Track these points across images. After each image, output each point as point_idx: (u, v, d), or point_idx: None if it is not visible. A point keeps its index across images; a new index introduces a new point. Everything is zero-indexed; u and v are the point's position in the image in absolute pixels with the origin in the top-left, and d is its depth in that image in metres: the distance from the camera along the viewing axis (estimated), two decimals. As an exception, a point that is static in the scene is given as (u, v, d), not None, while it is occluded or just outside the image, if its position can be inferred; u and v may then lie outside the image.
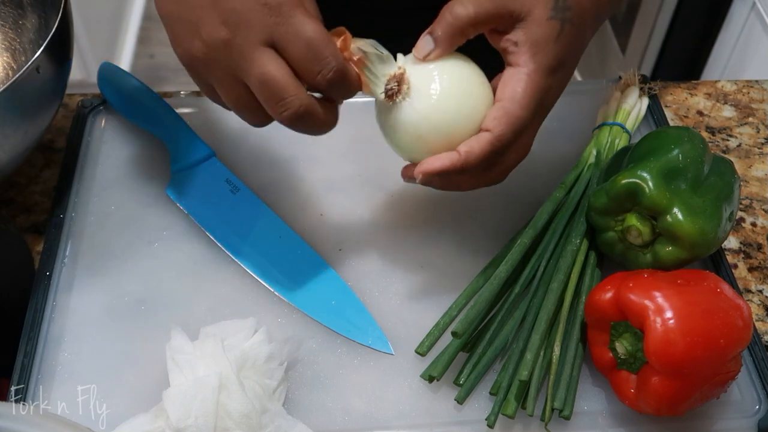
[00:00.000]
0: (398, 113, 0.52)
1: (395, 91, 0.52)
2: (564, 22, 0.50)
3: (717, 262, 0.62)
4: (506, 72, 0.51)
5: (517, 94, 0.50)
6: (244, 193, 0.65)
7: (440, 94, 0.51)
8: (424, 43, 0.51)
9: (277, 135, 0.70)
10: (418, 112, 0.52)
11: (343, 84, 0.50)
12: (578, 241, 0.59)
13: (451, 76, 0.52)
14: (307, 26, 0.48)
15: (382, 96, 0.52)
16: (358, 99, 0.73)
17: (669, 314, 0.48)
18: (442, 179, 0.52)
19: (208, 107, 0.72)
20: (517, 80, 0.50)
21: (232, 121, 0.71)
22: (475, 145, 0.50)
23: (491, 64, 0.54)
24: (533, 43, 0.50)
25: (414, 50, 0.52)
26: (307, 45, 0.48)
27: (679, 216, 0.52)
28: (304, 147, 0.70)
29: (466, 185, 0.54)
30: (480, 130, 0.51)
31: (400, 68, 0.52)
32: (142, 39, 2.17)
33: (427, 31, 0.51)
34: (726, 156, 0.71)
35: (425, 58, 0.51)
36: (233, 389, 0.50)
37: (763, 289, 0.63)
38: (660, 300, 0.49)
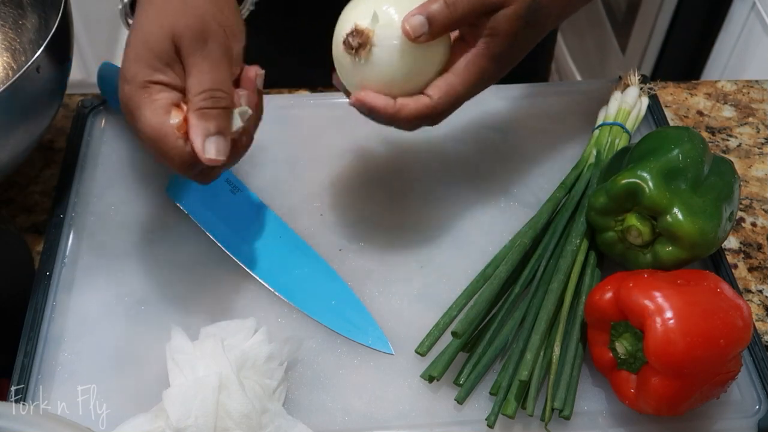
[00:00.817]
0: (355, 68, 0.53)
1: (356, 47, 0.51)
2: (528, 22, 0.53)
3: (717, 262, 0.62)
4: (460, 45, 0.54)
5: (464, 72, 0.54)
6: (244, 193, 0.65)
7: (397, 59, 0.52)
8: (419, 24, 0.51)
9: (277, 135, 0.71)
10: (373, 78, 0.52)
11: (193, 168, 0.52)
12: (578, 241, 0.59)
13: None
14: (147, 128, 0.51)
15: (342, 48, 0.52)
16: (358, 99, 0.74)
17: (669, 314, 0.48)
18: (372, 114, 0.54)
19: (208, 107, 0.72)
20: (469, 60, 0.54)
21: (232, 121, 0.71)
22: (411, 103, 0.53)
23: None
24: (494, 31, 0.53)
25: (405, 23, 0.51)
26: (151, 142, 0.51)
27: (679, 216, 0.52)
28: (304, 147, 0.70)
29: (391, 125, 0.56)
30: (422, 91, 0.54)
31: (368, 29, 0.51)
32: (142, 39, 2.16)
33: (421, 9, 0.51)
34: (726, 156, 0.71)
35: (416, 39, 0.51)
36: (233, 389, 0.50)
37: (763, 289, 0.63)
38: (660, 300, 0.49)
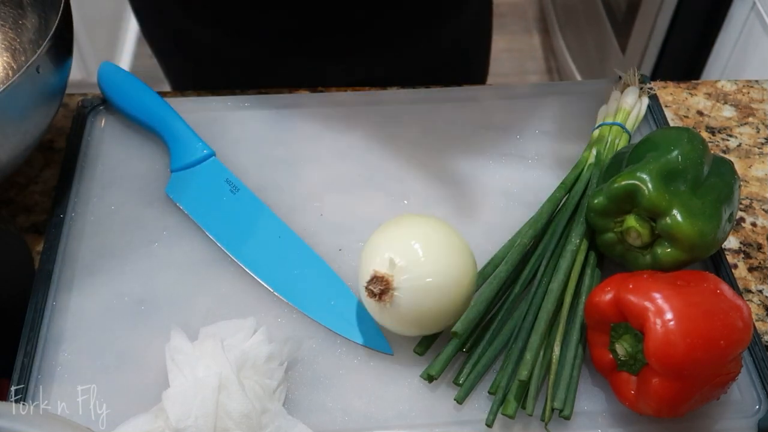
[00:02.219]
0: (381, 310, 0.54)
1: (379, 294, 0.52)
2: None
3: (717, 263, 0.62)
4: None
5: None
6: (244, 193, 0.65)
7: (423, 295, 0.52)
8: None
9: (277, 135, 0.71)
10: (399, 318, 0.53)
11: None
12: (578, 241, 0.59)
13: (437, 280, 0.52)
14: None
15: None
16: (358, 99, 0.74)
17: (669, 316, 0.48)
18: None
19: (208, 107, 0.72)
20: None
21: (232, 121, 0.71)
22: None
23: None
24: None
25: None
26: None
27: (679, 218, 0.52)
28: (304, 147, 0.70)
29: None
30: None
31: (388, 274, 0.52)
32: (142, 39, 2.16)
33: None
34: (726, 156, 0.71)
35: None
36: (233, 389, 0.50)
37: (763, 289, 0.63)
38: (660, 301, 0.49)
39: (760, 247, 0.66)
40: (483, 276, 0.59)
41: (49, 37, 0.58)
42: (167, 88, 0.95)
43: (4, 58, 0.71)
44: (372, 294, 0.52)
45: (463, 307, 0.54)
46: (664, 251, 0.54)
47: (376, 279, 0.52)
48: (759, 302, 0.62)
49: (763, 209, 0.68)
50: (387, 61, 0.85)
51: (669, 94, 0.77)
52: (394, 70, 0.84)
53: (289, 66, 0.83)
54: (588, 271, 0.59)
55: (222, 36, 0.82)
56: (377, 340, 0.57)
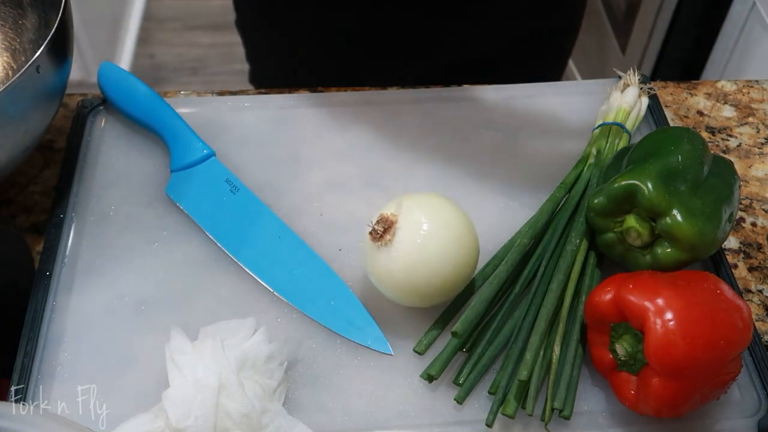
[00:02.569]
0: (380, 256, 0.54)
1: (380, 234, 0.54)
2: None
3: (717, 263, 0.62)
4: None
5: None
6: (243, 193, 0.65)
7: (422, 251, 0.53)
8: None
9: (277, 135, 0.71)
10: (397, 263, 0.54)
11: None
12: (578, 241, 0.59)
13: (437, 232, 0.54)
14: None
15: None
16: (358, 99, 0.74)
17: (669, 316, 0.48)
18: None
19: (208, 107, 0.72)
20: None
21: (232, 121, 0.71)
22: None
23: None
24: None
25: None
26: None
27: (678, 218, 0.52)
28: (304, 147, 0.70)
29: None
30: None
31: (393, 214, 0.54)
32: (142, 39, 2.17)
33: None
34: (726, 156, 0.71)
35: None
36: (233, 390, 0.50)
37: (763, 289, 0.63)
38: (660, 301, 0.49)
39: (760, 247, 0.66)
40: (483, 276, 0.59)
41: (49, 37, 0.58)
42: (167, 88, 0.95)
43: (4, 58, 0.71)
44: (375, 234, 0.54)
45: (458, 283, 0.55)
46: (664, 251, 0.54)
47: (381, 220, 0.54)
48: (759, 302, 0.62)
49: (763, 209, 0.68)
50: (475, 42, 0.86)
51: (669, 94, 0.77)
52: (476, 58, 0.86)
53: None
54: (588, 271, 0.59)
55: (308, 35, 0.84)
56: (377, 340, 0.57)
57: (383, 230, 0.54)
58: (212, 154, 0.67)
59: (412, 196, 0.56)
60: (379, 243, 0.54)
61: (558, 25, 0.91)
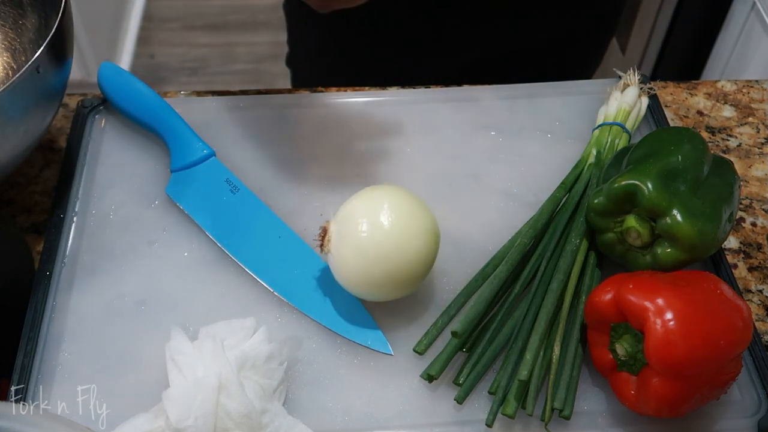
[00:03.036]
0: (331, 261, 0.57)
1: (320, 244, 0.56)
2: None
3: (717, 262, 0.62)
4: None
5: None
6: (243, 193, 0.65)
7: (360, 248, 0.54)
8: None
9: (278, 135, 0.71)
10: (340, 263, 0.56)
11: None
12: (578, 241, 0.59)
13: (373, 232, 0.54)
14: None
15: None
16: (358, 99, 0.74)
17: (669, 316, 0.48)
18: None
19: (208, 107, 0.72)
20: None
21: (232, 121, 0.71)
22: None
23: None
24: None
25: None
26: None
27: (678, 218, 0.52)
28: (304, 147, 0.70)
29: None
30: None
31: (327, 221, 0.57)
32: (142, 39, 2.17)
33: None
34: (726, 156, 0.71)
35: None
36: (233, 389, 0.50)
37: (763, 289, 0.63)
38: (660, 301, 0.49)
39: (760, 247, 0.66)
40: (483, 276, 0.59)
41: (49, 37, 0.58)
42: (167, 88, 0.95)
43: (4, 58, 0.71)
44: (320, 246, 0.56)
45: (413, 274, 0.55)
46: (664, 251, 0.54)
47: (321, 230, 0.56)
48: (759, 302, 0.62)
49: (763, 209, 0.68)
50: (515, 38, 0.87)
51: (669, 94, 0.77)
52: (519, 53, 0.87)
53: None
54: (588, 271, 0.59)
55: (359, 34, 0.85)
56: (377, 340, 0.57)
57: (321, 240, 0.56)
58: (212, 154, 0.67)
59: (360, 193, 0.57)
60: (324, 252, 0.56)
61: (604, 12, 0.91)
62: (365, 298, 0.58)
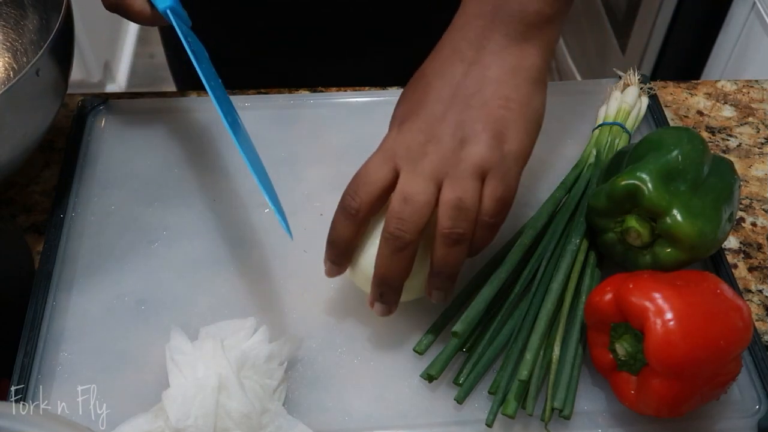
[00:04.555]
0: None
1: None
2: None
3: (717, 262, 0.62)
4: None
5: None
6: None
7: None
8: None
9: (277, 135, 0.71)
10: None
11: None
12: (578, 241, 0.59)
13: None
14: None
15: None
16: (358, 99, 0.74)
17: (669, 316, 0.48)
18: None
19: (208, 107, 0.72)
20: None
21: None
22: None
23: None
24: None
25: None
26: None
27: (679, 218, 0.52)
28: (304, 147, 0.70)
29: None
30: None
31: None
32: (142, 39, 2.17)
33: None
34: (726, 156, 0.71)
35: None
36: (233, 389, 0.50)
37: (763, 289, 0.63)
38: (660, 301, 0.49)
39: (760, 247, 0.66)
40: (483, 276, 0.59)
41: (50, 38, 0.58)
42: (167, 88, 0.95)
43: (6, 59, 0.71)
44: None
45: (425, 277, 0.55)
46: (664, 251, 0.54)
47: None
48: (759, 302, 0.62)
49: (763, 209, 0.68)
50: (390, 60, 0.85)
51: (669, 94, 0.77)
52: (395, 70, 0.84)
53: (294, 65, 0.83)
54: (588, 271, 0.59)
55: (224, 35, 0.82)
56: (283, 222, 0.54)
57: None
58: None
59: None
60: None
61: None
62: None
